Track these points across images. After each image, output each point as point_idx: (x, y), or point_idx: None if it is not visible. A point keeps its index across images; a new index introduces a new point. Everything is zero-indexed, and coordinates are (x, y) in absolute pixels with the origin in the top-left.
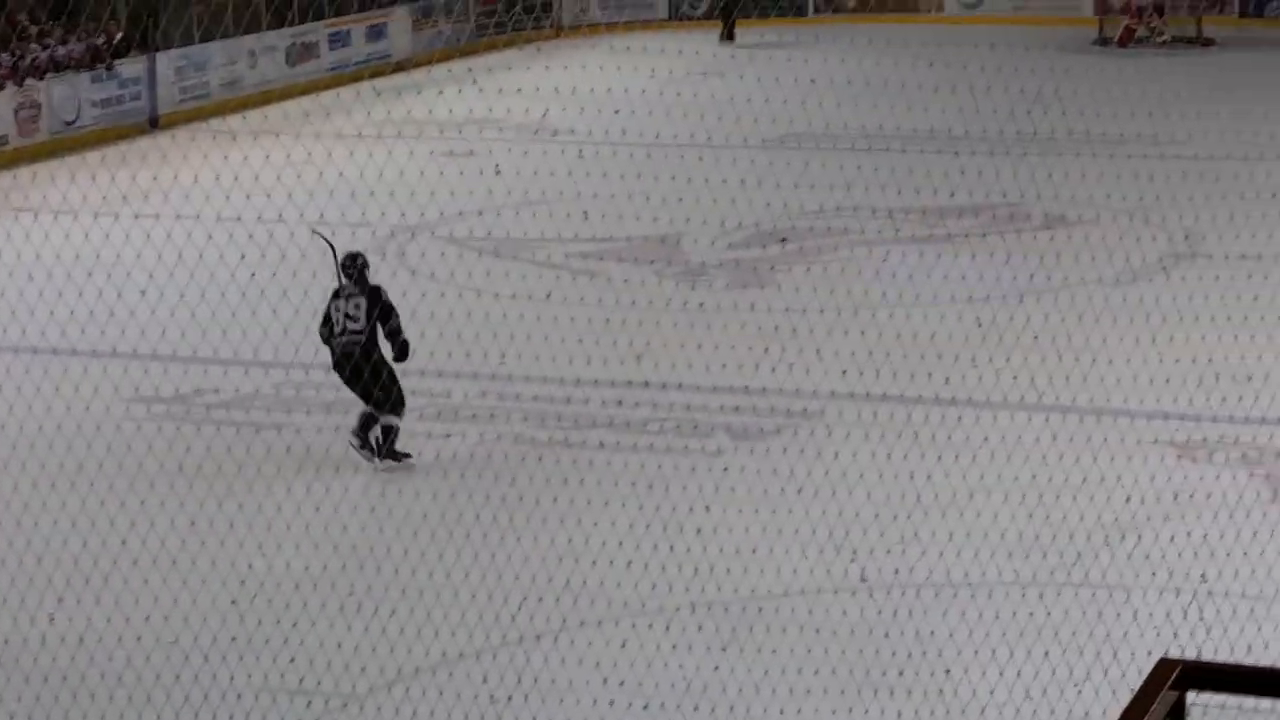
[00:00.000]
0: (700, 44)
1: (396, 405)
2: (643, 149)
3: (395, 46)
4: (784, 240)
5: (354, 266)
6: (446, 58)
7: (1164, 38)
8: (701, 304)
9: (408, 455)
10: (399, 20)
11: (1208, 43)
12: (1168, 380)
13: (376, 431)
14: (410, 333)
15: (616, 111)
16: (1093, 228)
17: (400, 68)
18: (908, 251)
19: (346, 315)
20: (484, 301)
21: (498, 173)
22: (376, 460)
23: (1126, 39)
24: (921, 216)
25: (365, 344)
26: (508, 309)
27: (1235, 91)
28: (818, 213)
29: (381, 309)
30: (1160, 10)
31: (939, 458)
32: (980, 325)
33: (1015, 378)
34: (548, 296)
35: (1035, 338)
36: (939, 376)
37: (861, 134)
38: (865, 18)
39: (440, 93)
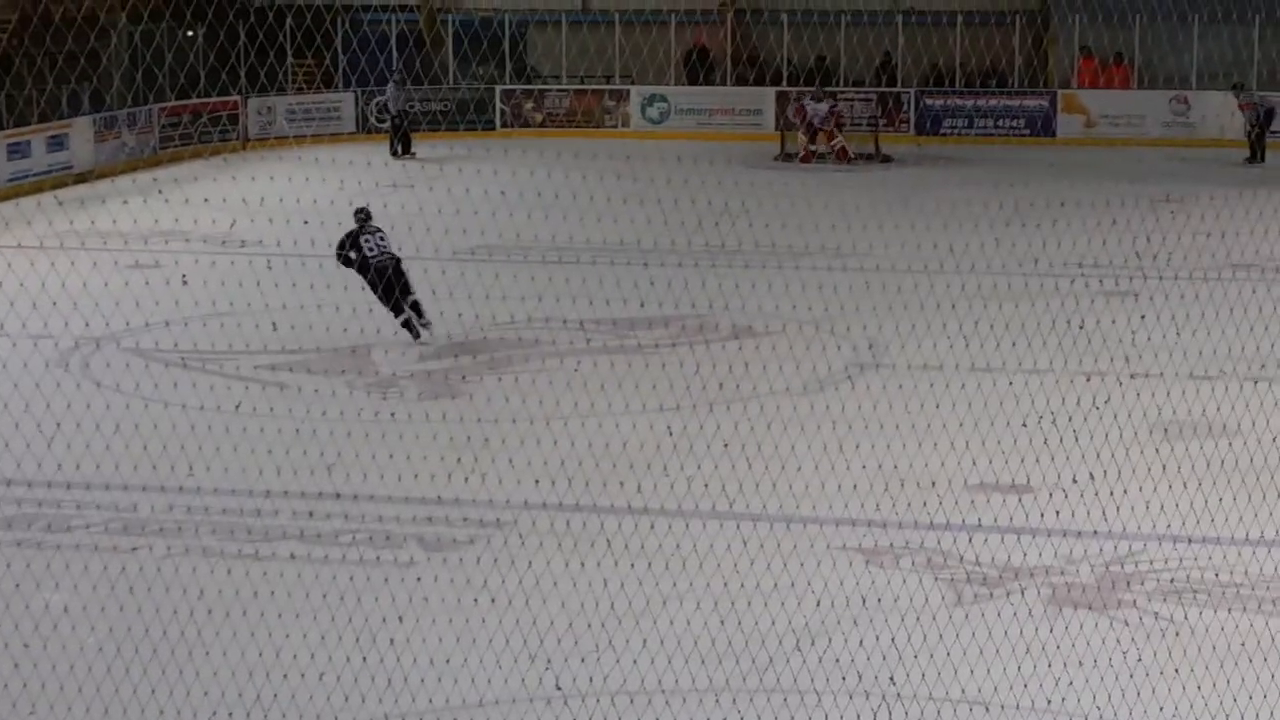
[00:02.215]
0: (389, 156)
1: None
2: (332, 260)
3: (77, 157)
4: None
5: (365, 211)
6: (131, 169)
7: (838, 143)
8: (393, 415)
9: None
10: (80, 131)
11: (886, 159)
12: (855, 487)
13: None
14: (95, 446)
15: (305, 223)
16: (779, 338)
17: (83, 179)
18: (599, 361)
19: (380, 242)
20: (171, 413)
21: (184, 284)
22: (425, 333)
23: (809, 158)
24: (612, 327)
25: (395, 260)
26: (195, 421)
27: (913, 206)
28: (509, 323)
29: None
30: (839, 122)
31: (631, 565)
32: (671, 434)
33: (706, 486)
34: (236, 408)
35: (725, 446)
36: (630, 485)
37: (551, 246)
38: (552, 132)
39: (125, 203)
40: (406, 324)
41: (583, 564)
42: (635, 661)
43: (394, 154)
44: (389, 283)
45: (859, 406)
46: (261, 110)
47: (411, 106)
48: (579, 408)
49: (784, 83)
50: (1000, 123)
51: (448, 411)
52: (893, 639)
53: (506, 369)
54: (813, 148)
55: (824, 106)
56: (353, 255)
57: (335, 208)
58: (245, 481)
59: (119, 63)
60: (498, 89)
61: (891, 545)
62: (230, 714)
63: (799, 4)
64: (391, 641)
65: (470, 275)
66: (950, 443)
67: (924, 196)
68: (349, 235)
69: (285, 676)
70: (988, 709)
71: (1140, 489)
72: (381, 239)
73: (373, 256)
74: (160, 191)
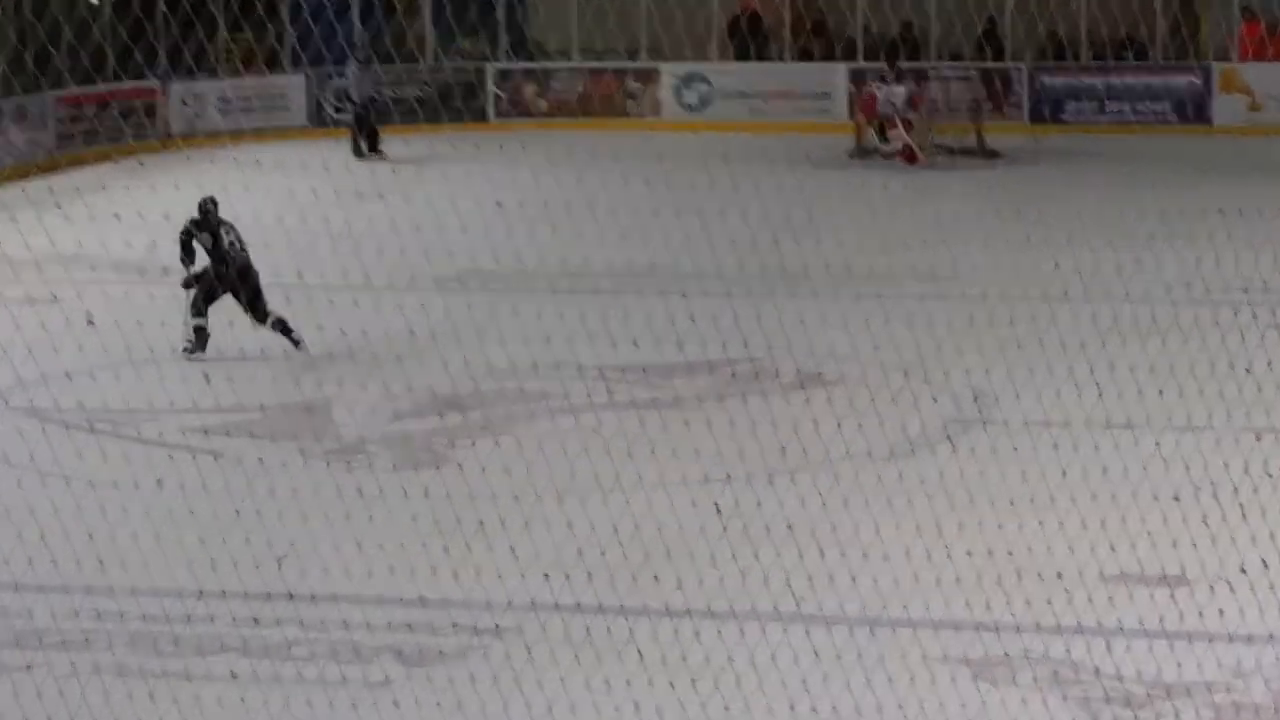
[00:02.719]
0: (351, 156)
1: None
2: (280, 292)
3: None
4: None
5: (215, 207)
6: (20, 175)
7: (901, 141)
8: (360, 490)
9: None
10: None
11: (991, 155)
12: (957, 579)
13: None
14: None
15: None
16: (857, 387)
17: None
18: (625, 419)
19: (232, 241)
20: (75, 491)
21: (91, 324)
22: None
23: (912, 157)
24: (642, 375)
25: (248, 265)
26: (106, 501)
27: (1027, 216)
28: (508, 371)
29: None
30: (916, 107)
31: (670, 684)
32: (719, 513)
33: (765, 580)
34: (159, 484)
35: (789, 527)
36: (667, 580)
37: (562, 271)
38: (562, 124)
39: (12, 220)
40: (281, 326)
41: (607, 682)
42: None
43: (358, 153)
44: (242, 282)
45: (961, 475)
46: (187, 99)
47: (380, 93)
48: (600, 480)
49: (859, 57)
50: (1139, 107)
51: (431, 485)
52: None
53: (506, 430)
54: (889, 146)
55: (901, 90)
56: (204, 246)
57: (283, 224)
58: (171, 579)
59: (3, 39)
60: (490, 69)
61: (1006, 655)
62: None
63: None
64: None
65: (459, 309)
66: (1080, 522)
67: (1041, 203)
68: (197, 222)
69: None
70: None
71: None
72: (238, 235)
73: (233, 253)
74: (58, 205)
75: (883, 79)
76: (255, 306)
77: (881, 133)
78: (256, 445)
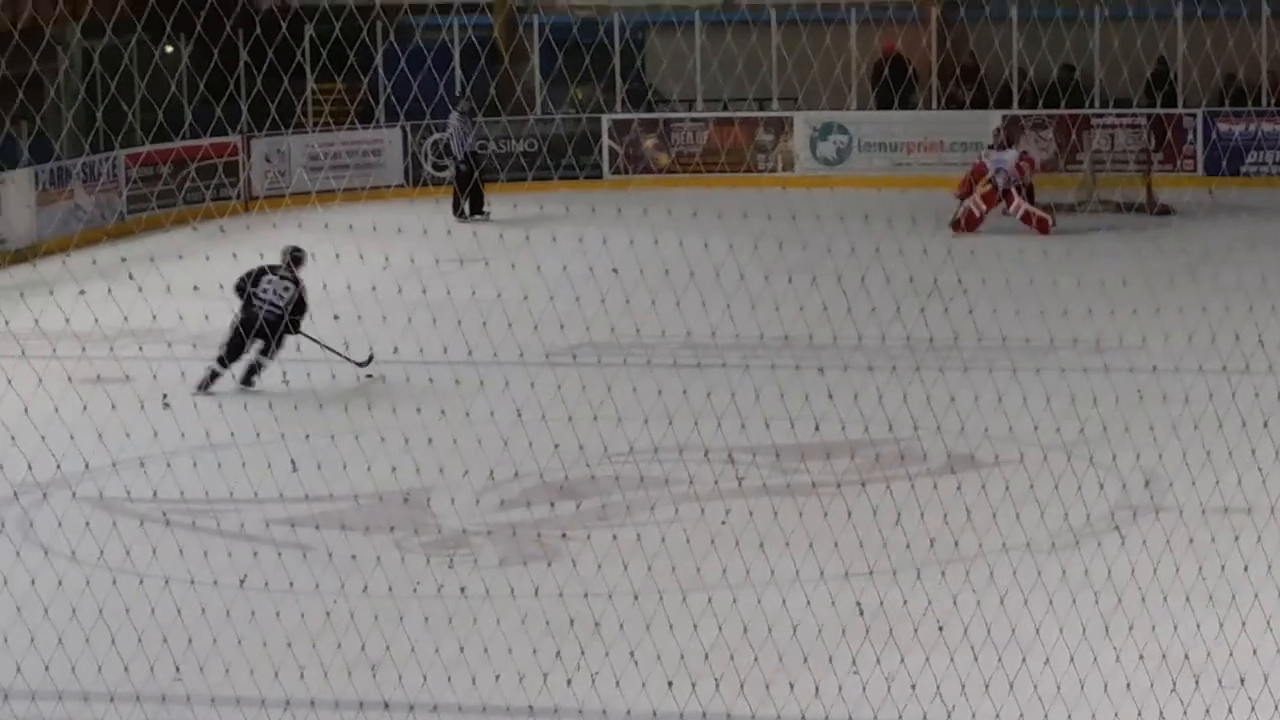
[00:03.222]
0: (453, 218)
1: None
2: (375, 369)
3: (13, 227)
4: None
5: (291, 256)
6: (89, 242)
7: (1020, 208)
8: (463, 590)
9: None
10: (17, 190)
11: (1164, 211)
12: (1128, 686)
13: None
14: (42, 639)
15: (336, 317)
16: (1015, 470)
17: (21, 258)
18: (756, 508)
19: (275, 292)
20: (148, 590)
21: (166, 406)
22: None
23: (972, 224)
24: (774, 459)
25: (278, 319)
26: (183, 601)
27: (1204, 279)
28: (626, 456)
29: (299, 304)
30: (1030, 191)
31: None
32: (862, 613)
33: (914, 688)
34: (242, 583)
35: (940, 629)
36: (804, 687)
37: (686, 343)
38: (685, 180)
39: (81, 292)
40: (248, 371)
41: None
42: None
43: (459, 215)
44: (258, 335)
45: (1131, 569)
46: (271, 156)
47: (483, 147)
48: (728, 576)
49: (1014, 105)
50: None
51: (541, 582)
52: None
53: (624, 520)
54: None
55: (1011, 156)
56: (246, 290)
57: (377, 294)
58: (255, 688)
59: (71, 93)
60: (606, 120)
61: None
62: None
63: None
64: None
65: (571, 386)
66: (1265, 621)
67: (1218, 265)
68: (260, 270)
69: None
70: None
71: None
72: (286, 289)
73: (262, 302)
74: (131, 275)
75: (994, 145)
76: (265, 350)
77: (989, 204)
78: (348, 539)
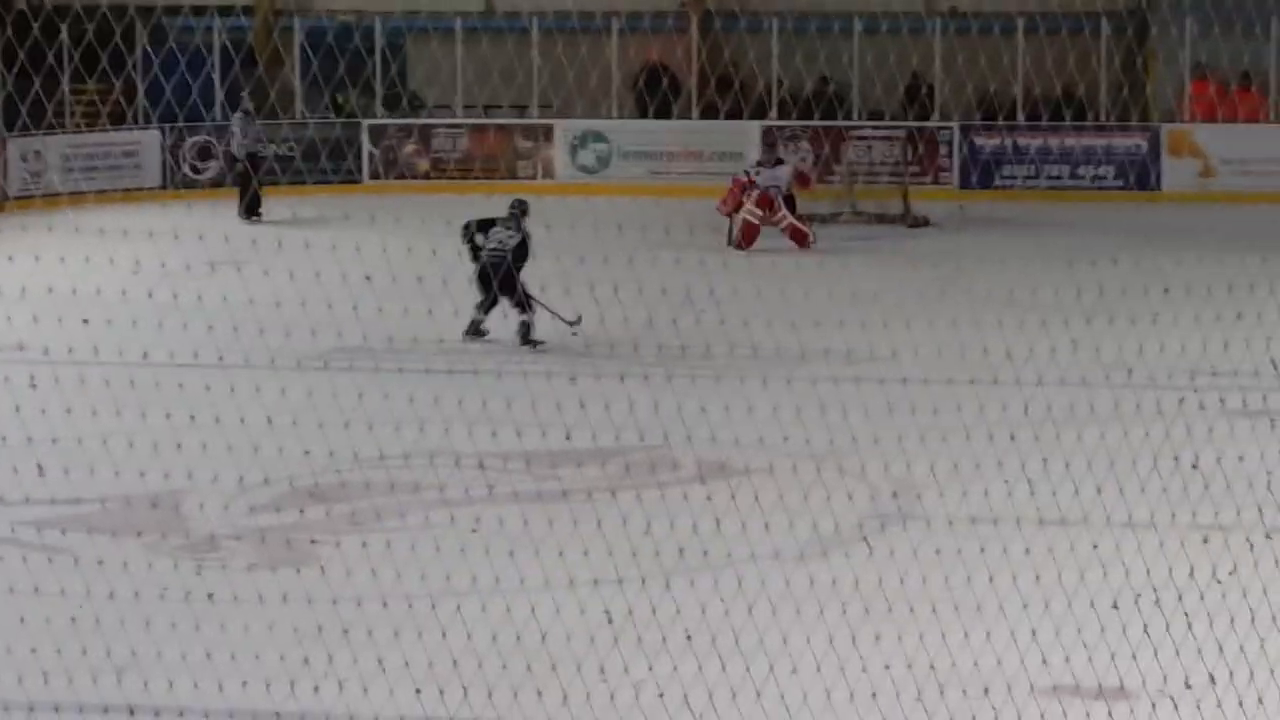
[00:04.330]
0: (209, 222)
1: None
2: (124, 373)
3: None
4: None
5: (517, 209)
6: None
7: (784, 220)
8: (210, 595)
9: (542, 342)
10: None
11: (918, 223)
12: (874, 695)
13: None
14: None
15: (86, 321)
16: (765, 479)
17: None
18: (506, 516)
19: (500, 240)
20: None
21: None
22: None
23: (751, 236)
24: (525, 466)
25: (504, 261)
26: None
27: (956, 291)
28: (377, 461)
29: (521, 249)
30: (790, 201)
31: None
32: (610, 620)
33: (661, 695)
34: None
35: (689, 637)
36: (553, 695)
37: (439, 350)
38: (444, 186)
39: None
40: (524, 329)
41: None
42: None
43: (245, 215)
44: (486, 281)
45: (878, 578)
46: (26, 155)
47: (264, 149)
48: (478, 583)
49: (773, 113)
50: (1080, 171)
51: (290, 588)
52: None
53: (374, 526)
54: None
55: (784, 172)
56: (477, 241)
57: (129, 299)
58: (0, 692)
59: None
60: (365, 125)
61: None
62: None
63: (791, 3)
64: None
65: (323, 392)
66: (1010, 631)
67: (971, 278)
68: (490, 220)
69: None
70: None
71: None
72: (510, 237)
73: (487, 249)
74: None
75: (760, 163)
76: (509, 295)
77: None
78: (95, 542)
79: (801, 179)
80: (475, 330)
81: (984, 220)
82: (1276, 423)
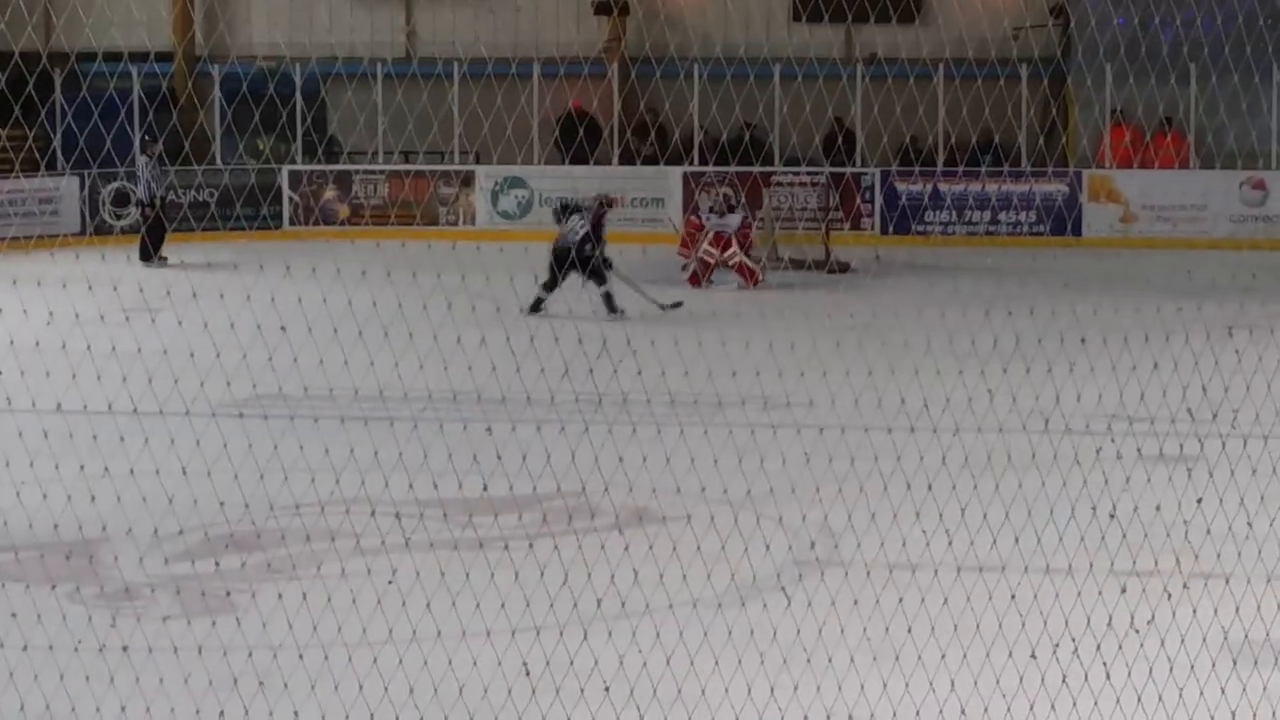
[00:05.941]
0: (124, 269)
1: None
2: (37, 422)
3: None
4: None
5: (594, 201)
6: None
7: (735, 258)
8: (125, 648)
9: (624, 310)
10: None
11: (839, 269)
12: None
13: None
14: None
15: None
16: (684, 527)
17: None
18: (423, 564)
19: (573, 228)
20: None
21: None
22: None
23: (704, 274)
24: (443, 516)
25: (578, 244)
26: None
27: (874, 337)
28: (292, 510)
29: (588, 239)
30: (744, 241)
31: None
32: (528, 672)
33: None
34: None
35: (606, 689)
36: None
37: (355, 397)
38: (363, 232)
39: None
40: (607, 300)
41: None
42: None
43: (146, 258)
44: (557, 264)
45: (798, 628)
46: None
47: (172, 192)
48: (395, 634)
49: (694, 159)
50: (1000, 217)
51: (206, 639)
52: None
53: (291, 576)
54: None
55: (735, 220)
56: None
57: (42, 349)
58: None
59: None
60: (284, 171)
61: None
62: None
63: (710, 49)
64: None
65: (238, 441)
66: (929, 680)
67: (890, 325)
68: (567, 206)
69: None
70: None
71: None
72: (582, 225)
73: (565, 235)
74: None
75: (713, 210)
76: (593, 275)
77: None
78: (9, 593)
79: (746, 229)
80: (536, 308)
81: (904, 266)
82: (1193, 471)
